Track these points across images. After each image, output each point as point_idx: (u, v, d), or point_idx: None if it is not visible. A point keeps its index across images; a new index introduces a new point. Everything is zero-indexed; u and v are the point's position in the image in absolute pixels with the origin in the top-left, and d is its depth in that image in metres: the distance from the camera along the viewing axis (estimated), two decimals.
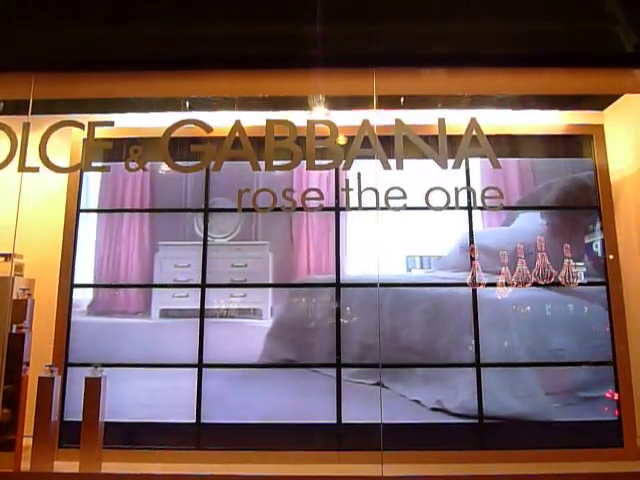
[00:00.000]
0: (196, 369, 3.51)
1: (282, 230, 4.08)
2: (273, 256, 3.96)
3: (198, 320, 3.59)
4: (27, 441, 3.11)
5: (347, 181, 3.25)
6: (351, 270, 4.00)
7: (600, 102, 3.82)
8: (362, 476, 3.00)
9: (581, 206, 3.77)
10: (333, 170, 3.63)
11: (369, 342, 3.48)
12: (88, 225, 3.90)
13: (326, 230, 4.01)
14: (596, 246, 3.66)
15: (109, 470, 3.05)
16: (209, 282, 3.64)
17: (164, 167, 3.20)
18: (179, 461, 3.23)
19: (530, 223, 3.92)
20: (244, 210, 3.21)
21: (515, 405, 3.37)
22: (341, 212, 3.80)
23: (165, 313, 3.96)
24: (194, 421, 3.42)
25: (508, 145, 3.78)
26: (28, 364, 3.23)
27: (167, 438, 3.35)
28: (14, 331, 3.22)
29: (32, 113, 3.24)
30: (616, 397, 3.43)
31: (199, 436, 3.40)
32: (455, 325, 3.58)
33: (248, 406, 3.48)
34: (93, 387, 3.09)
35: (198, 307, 3.63)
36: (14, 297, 3.34)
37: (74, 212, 3.69)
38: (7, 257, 3.42)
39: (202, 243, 3.67)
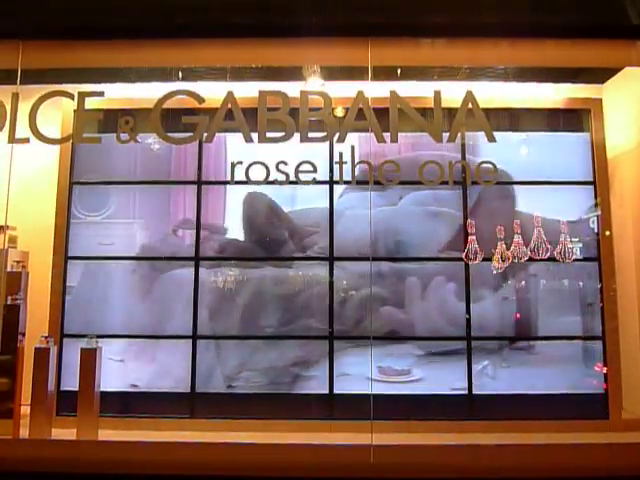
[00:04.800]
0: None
1: (159, 207, 3.83)
2: (147, 233, 3.81)
3: None
4: (25, 409, 3.17)
5: (341, 154, 3.22)
6: None
7: (600, 75, 3.74)
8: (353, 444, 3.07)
9: (577, 182, 3.73)
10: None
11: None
12: None
13: (203, 206, 3.75)
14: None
15: (106, 437, 3.12)
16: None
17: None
18: (173, 429, 3.31)
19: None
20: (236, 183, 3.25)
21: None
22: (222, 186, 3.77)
23: None
24: None
25: (504, 118, 3.72)
26: (24, 335, 3.27)
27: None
28: (9, 302, 3.25)
29: (21, 83, 3.19)
30: (605, 370, 3.49)
31: (193, 405, 3.48)
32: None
33: None
34: (88, 357, 3.14)
35: None
36: (8, 269, 3.35)
37: (66, 184, 3.66)
38: (0, 229, 3.42)
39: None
